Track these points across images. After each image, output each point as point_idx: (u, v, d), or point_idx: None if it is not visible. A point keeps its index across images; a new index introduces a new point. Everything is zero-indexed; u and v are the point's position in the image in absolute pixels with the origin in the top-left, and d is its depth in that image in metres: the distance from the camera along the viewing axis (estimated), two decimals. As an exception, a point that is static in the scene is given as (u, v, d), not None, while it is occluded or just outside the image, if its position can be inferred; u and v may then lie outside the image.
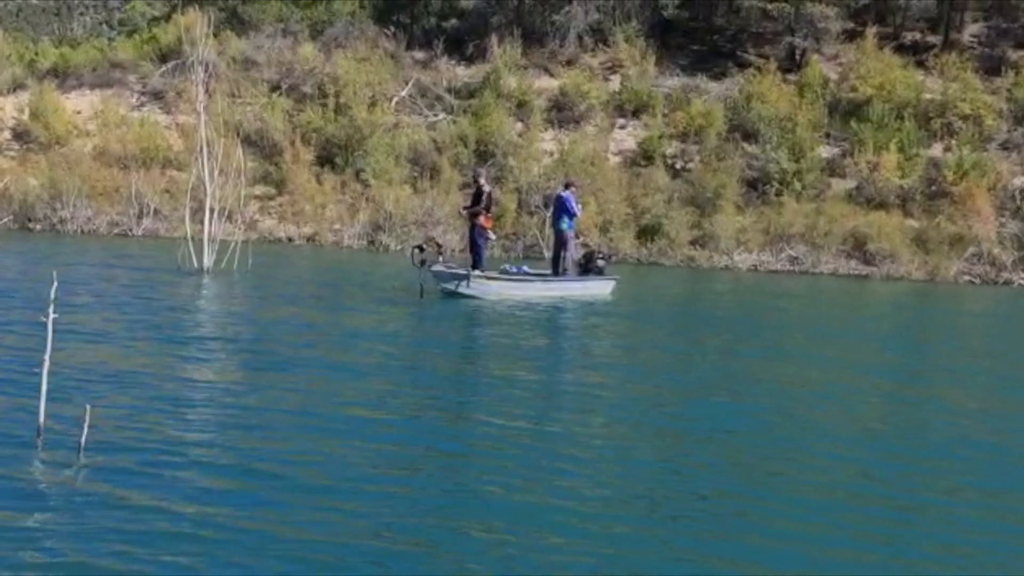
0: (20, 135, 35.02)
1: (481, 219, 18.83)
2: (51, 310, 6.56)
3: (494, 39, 36.83)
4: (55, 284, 6.60)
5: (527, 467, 7.55)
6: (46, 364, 6.75)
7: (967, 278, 29.04)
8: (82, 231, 30.12)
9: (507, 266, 19.93)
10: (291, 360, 11.08)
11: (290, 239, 30.92)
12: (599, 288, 19.74)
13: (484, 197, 18.95)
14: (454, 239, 26.64)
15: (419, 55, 38.73)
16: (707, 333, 16.29)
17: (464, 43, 38.85)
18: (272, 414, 8.50)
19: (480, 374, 11.67)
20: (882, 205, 30.85)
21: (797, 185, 31.25)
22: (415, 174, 32.59)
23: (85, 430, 6.64)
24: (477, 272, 18.42)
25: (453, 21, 40.52)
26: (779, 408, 10.44)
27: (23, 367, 8.96)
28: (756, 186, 31.70)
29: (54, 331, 6.72)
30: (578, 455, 7.96)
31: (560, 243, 19.72)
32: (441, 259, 18.69)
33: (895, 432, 9.84)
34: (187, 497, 6.32)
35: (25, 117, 34.99)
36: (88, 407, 6.73)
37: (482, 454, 7.95)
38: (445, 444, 8.25)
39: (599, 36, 38.65)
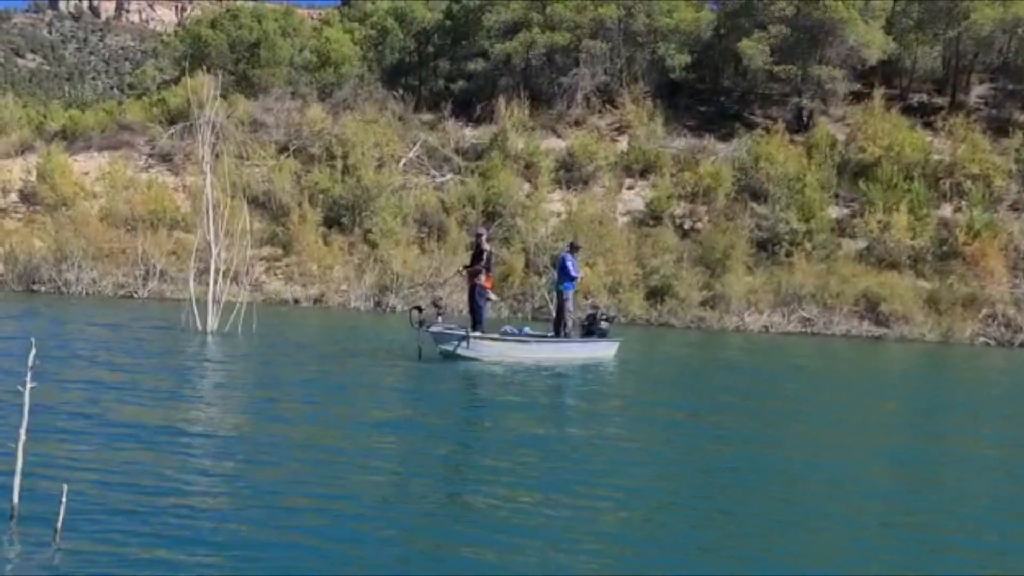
0: (27, 197, 35.08)
1: (482, 279, 18.37)
2: (28, 378, 6.12)
3: (502, 100, 36.94)
4: (32, 351, 6.17)
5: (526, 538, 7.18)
6: (22, 438, 6.28)
7: (982, 339, 28.63)
8: (87, 293, 29.93)
9: (508, 327, 19.46)
10: (281, 434, 10.44)
11: (296, 300, 30.69)
12: (602, 350, 19.30)
13: (485, 256, 18.54)
14: (461, 299, 26.36)
15: (427, 116, 38.85)
16: (717, 406, 15.89)
17: (472, 104, 38.98)
18: (264, 489, 8.02)
19: (473, 436, 11.30)
20: (893, 266, 30.58)
21: (807, 245, 31.02)
22: (422, 235, 32.45)
23: (62, 511, 6.12)
24: (477, 333, 17.99)
25: (461, 83, 40.71)
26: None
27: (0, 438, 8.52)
28: (766, 246, 31.49)
29: (31, 402, 6.27)
30: (578, 532, 7.60)
31: (560, 305, 19.39)
32: (440, 319, 18.22)
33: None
34: None
35: (32, 179, 35.02)
36: (65, 486, 6.22)
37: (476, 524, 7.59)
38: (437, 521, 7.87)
39: (606, 97, 38.77)
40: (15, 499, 6.52)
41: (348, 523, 7.26)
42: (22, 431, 6.36)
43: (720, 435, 12.12)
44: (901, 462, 11.41)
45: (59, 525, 6.19)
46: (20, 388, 6.17)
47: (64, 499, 6.11)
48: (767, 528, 7.93)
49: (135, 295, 30.09)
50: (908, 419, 15.25)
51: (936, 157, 34.30)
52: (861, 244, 31.77)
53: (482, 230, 19.94)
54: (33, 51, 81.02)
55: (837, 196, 33.58)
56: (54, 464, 8.16)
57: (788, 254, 30.89)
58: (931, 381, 21.76)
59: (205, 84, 22.67)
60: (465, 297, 19.75)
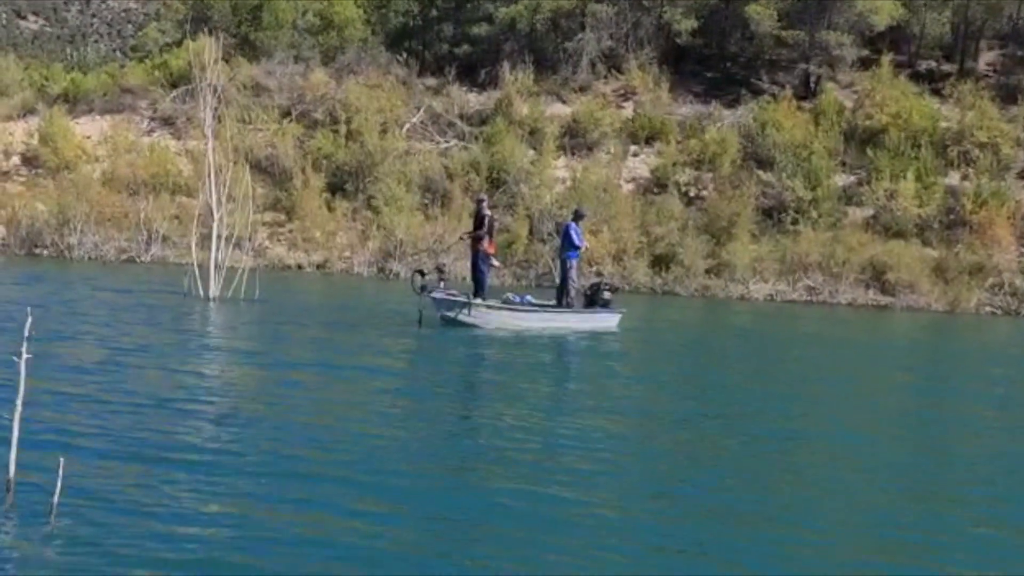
0: (29, 160, 34.85)
1: (484, 245, 18.18)
2: (24, 349, 5.93)
3: (506, 66, 36.60)
4: (29, 320, 5.99)
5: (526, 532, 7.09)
6: (18, 410, 6.09)
7: (988, 309, 28.48)
8: (89, 257, 29.82)
9: (510, 295, 19.28)
10: (279, 402, 10.26)
11: (300, 266, 30.57)
12: (604, 321, 19.11)
13: (486, 222, 18.33)
14: (464, 266, 26.22)
15: (431, 82, 38.51)
16: (722, 373, 15.79)
17: (476, 70, 38.62)
18: (263, 459, 7.86)
19: (471, 409, 11.20)
20: (900, 234, 30.36)
21: (813, 213, 30.80)
22: (426, 201, 32.25)
23: (59, 486, 5.95)
24: (479, 300, 17.81)
25: (465, 48, 40.31)
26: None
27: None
28: (772, 214, 31.28)
29: (27, 372, 6.07)
30: (578, 519, 7.51)
31: (564, 273, 19.20)
32: (443, 285, 18.04)
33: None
34: (176, 567, 5.73)
35: (35, 142, 34.79)
36: (62, 459, 6.05)
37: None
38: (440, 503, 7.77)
39: (612, 63, 38.39)
40: (11, 472, 6.35)
41: (345, 492, 7.16)
42: (18, 402, 6.19)
43: (718, 410, 12.02)
44: (911, 429, 11.32)
45: (55, 499, 6.03)
46: (16, 359, 5.99)
47: (61, 472, 5.97)
48: (773, 508, 7.84)
49: (137, 260, 29.98)
50: (916, 387, 15.16)
51: (944, 124, 33.96)
52: (867, 212, 31.55)
53: (483, 196, 19.73)
54: (35, 12, 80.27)
55: (844, 164, 33.30)
56: (52, 435, 8.00)
57: (794, 222, 30.68)
58: (939, 350, 21.66)
59: (207, 47, 22.35)
60: (468, 263, 19.55)
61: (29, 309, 6.25)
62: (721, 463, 8.95)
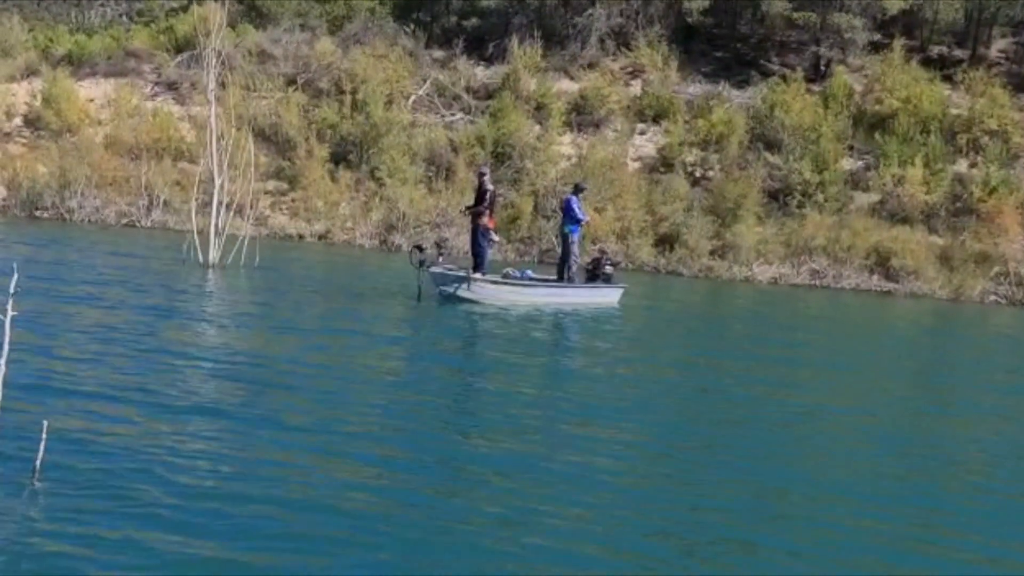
0: (31, 121, 34.57)
1: (484, 219, 17.91)
2: (9, 307, 5.70)
3: (514, 40, 36.26)
4: (15, 276, 5.79)
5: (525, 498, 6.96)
6: (1, 369, 5.86)
7: (993, 298, 28.29)
8: (90, 221, 29.62)
9: (510, 270, 19.09)
10: (269, 372, 10.16)
11: (301, 236, 30.37)
12: (606, 296, 18.95)
13: (487, 196, 18.08)
14: (467, 240, 26.03)
15: (438, 54, 38.18)
16: (724, 355, 15.64)
17: (484, 43, 38.28)
18: (250, 427, 7.76)
19: (469, 387, 11.06)
20: (906, 220, 30.13)
21: (820, 197, 30.57)
22: (430, 174, 32.03)
23: (41, 449, 5.81)
24: (478, 275, 17.61)
25: (473, 20, 39.92)
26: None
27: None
28: (778, 197, 31.04)
29: (15, 331, 5.89)
30: (581, 491, 7.38)
31: (565, 248, 19.00)
32: (442, 260, 17.85)
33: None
34: (159, 528, 5.57)
35: (37, 104, 34.53)
36: (45, 422, 5.87)
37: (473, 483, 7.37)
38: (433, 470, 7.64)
39: (621, 40, 38.04)
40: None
41: (335, 472, 7.00)
42: (2, 362, 5.99)
43: (716, 388, 11.88)
44: (913, 413, 11.18)
45: (38, 463, 5.90)
46: (0, 316, 5.80)
47: (44, 435, 5.83)
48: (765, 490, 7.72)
49: (138, 224, 29.79)
50: (923, 373, 15.02)
51: (954, 111, 33.65)
52: (874, 197, 31.31)
53: (484, 169, 19.47)
54: (41, -26, 79.65)
55: (852, 148, 33.04)
56: (36, 395, 7.89)
57: (800, 205, 30.45)
58: (941, 337, 21.53)
59: (213, 12, 22.11)
60: (468, 237, 19.34)
61: (15, 265, 6.07)
62: (718, 439, 8.82)
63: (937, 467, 8.65)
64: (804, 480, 7.83)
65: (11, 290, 5.75)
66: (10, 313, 5.64)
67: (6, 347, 5.90)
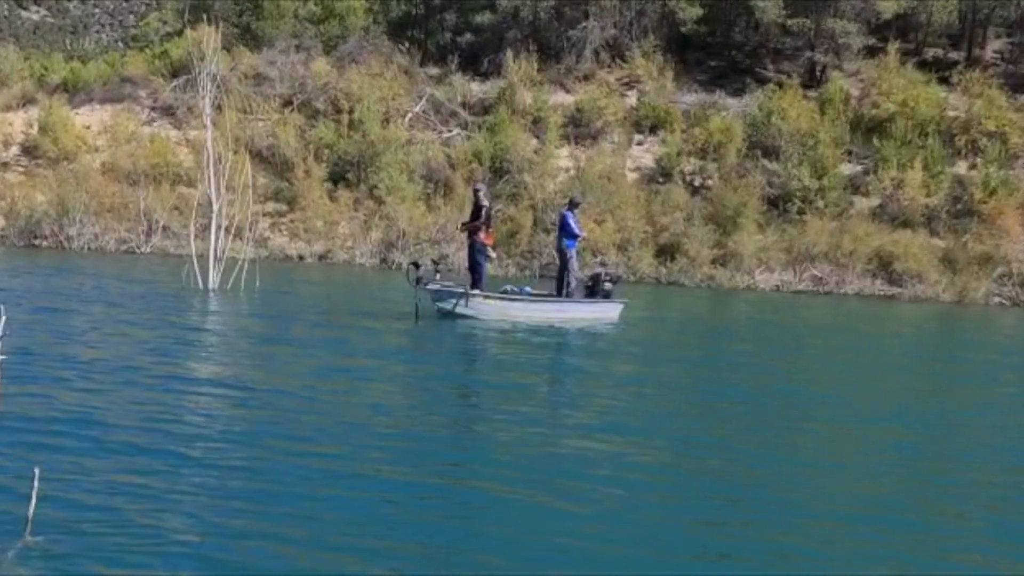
0: (28, 150, 34.59)
1: (481, 235, 17.77)
2: None
3: (509, 54, 36.26)
4: (3, 319, 5.53)
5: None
6: None
7: (997, 299, 28.18)
8: (89, 248, 29.58)
9: (509, 286, 18.95)
10: (273, 407, 9.60)
11: (301, 257, 30.32)
12: (606, 312, 18.78)
13: (484, 212, 17.98)
14: (466, 256, 25.93)
15: (433, 71, 38.19)
16: (733, 366, 15.51)
17: (479, 58, 38.29)
18: (255, 465, 7.37)
19: (466, 404, 10.93)
20: (907, 224, 30.04)
21: (820, 203, 30.50)
22: (429, 191, 31.98)
23: (33, 499, 5.47)
24: (476, 292, 17.50)
25: (468, 36, 39.94)
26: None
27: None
28: (777, 204, 30.97)
29: (7, 368, 5.62)
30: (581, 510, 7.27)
31: (563, 263, 18.87)
32: (439, 277, 17.73)
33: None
34: None
35: (34, 132, 34.53)
36: (36, 469, 5.56)
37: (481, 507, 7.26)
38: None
39: (616, 51, 38.07)
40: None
41: (336, 498, 6.85)
42: None
43: (730, 399, 11.76)
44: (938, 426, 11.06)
45: (30, 514, 5.56)
46: None
47: (36, 484, 5.51)
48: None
49: (137, 250, 29.75)
50: (936, 377, 14.89)
51: (951, 113, 33.62)
52: (874, 202, 31.24)
53: (480, 185, 19.33)
54: (36, 3, 79.85)
55: (850, 152, 32.98)
56: (28, 436, 7.54)
57: (800, 211, 30.39)
58: (952, 341, 21.38)
59: (207, 36, 22.05)
60: (466, 254, 19.20)
61: (1, 307, 5.80)
62: (728, 451, 8.70)
63: (971, 479, 8.51)
64: (837, 495, 7.71)
65: (-1, 334, 5.53)
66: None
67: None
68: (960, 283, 28.11)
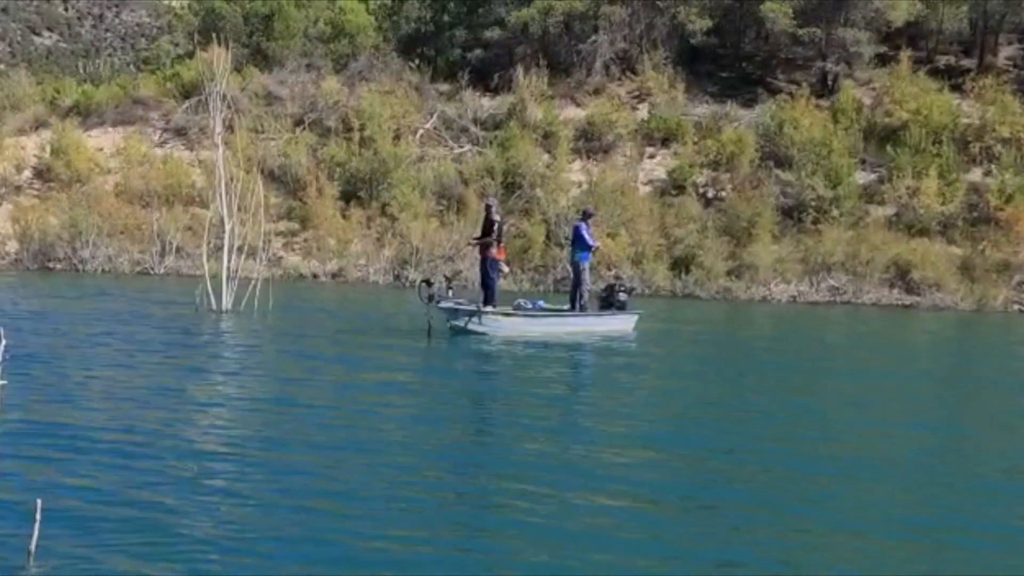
0: (41, 173, 34.65)
1: (493, 251, 17.68)
2: None
3: (519, 69, 36.23)
4: (3, 343, 5.38)
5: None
6: None
7: (1016, 306, 27.92)
8: (103, 270, 29.60)
9: (521, 301, 18.81)
10: (283, 435, 9.29)
11: (315, 276, 30.27)
12: (620, 324, 18.65)
13: (495, 228, 17.87)
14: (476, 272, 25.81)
15: (444, 87, 38.19)
16: (756, 379, 15.32)
17: (489, 74, 38.26)
18: (266, 503, 7.07)
19: (480, 422, 10.79)
20: (923, 232, 29.84)
21: (835, 212, 30.31)
22: (441, 207, 31.92)
23: (36, 530, 5.30)
24: (489, 308, 17.35)
25: (478, 52, 39.93)
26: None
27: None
28: (792, 214, 30.77)
29: (14, 392, 5.44)
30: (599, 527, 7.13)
31: (576, 276, 18.76)
32: (451, 294, 17.60)
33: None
34: None
35: (47, 155, 34.60)
36: (39, 501, 5.39)
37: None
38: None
39: (626, 65, 37.99)
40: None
41: (348, 524, 6.66)
42: None
43: (756, 411, 11.59)
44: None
45: (32, 547, 5.38)
46: None
47: (39, 516, 5.35)
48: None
49: (151, 272, 29.75)
50: (965, 386, 14.68)
51: (965, 120, 33.43)
52: (890, 210, 31.03)
53: (491, 201, 19.28)
54: (49, 28, 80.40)
55: (864, 162, 32.79)
56: (31, 466, 7.35)
57: (815, 221, 30.19)
58: (981, 350, 21.12)
59: (218, 57, 22.04)
60: (478, 270, 19.09)
61: (1, 331, 5.62)
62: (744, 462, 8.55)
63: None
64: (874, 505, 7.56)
65: (-1, 358, 5.36)
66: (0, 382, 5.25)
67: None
68: (979, 291, 27.88)
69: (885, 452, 9.67)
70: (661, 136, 34.66)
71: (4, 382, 5.28)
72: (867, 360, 17.21)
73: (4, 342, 5.43)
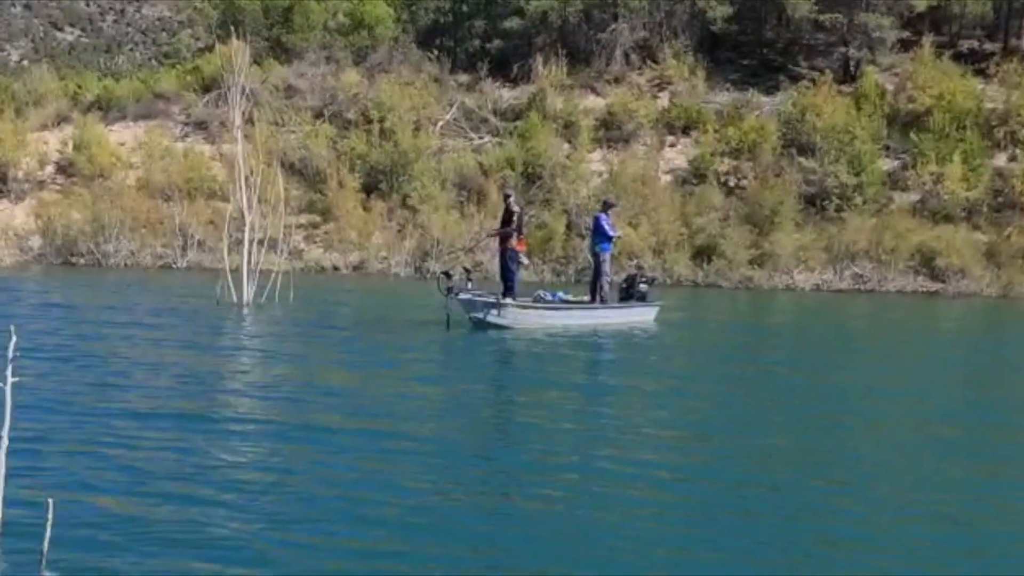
0: (64, 169, 34.83)
1: (513, 242, 17.46)
2: (9, 372, 5.21)
3: (539, 59, 36.14)
4: (13, 339, 5.35)
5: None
6: (4, 442, 5.30)
7: (1043, 292, 27.65)
8: (126, 264, 29.74)
9: (542, 292, 18.63)
10: (302, 430, 9.07)
11: (336, 268, 30.31)
12: (641, 315, 18.49)
13: (515, 218, 17.63)
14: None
15: (463, 78, 38.12)
16: (785, 368, 15.19)
17: (509, 64, 38.17)
18: (283, 499, 6.95)
19: (502, 414, 10.72)
20: (948, 218, 29.55)
21: (858, 200, 30.04)
22: (461, 198, 31.86)
23: (48, 532, 5.22)
24: (509, 300, 17.21)
25: (497, 42, 39.86)
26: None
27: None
28: (815, 202, 30.52)
29: (15, 398, 5.29)
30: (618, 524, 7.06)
31: (596, 267, 18.58)
32: (471, 285, 17.46)
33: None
34: None
35: (69, 150, 34.77)
36: (51, 501, 5.29)
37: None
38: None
39: (646, 53, 37.79)
40: (-2, 515, 5.60)
41: (368, 523, 6.59)
42: (4, 432, 5.43)
43: (789, 402, 11.49)
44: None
45: (45, 548, 5.30)
46: (0, 385, 5.29)
47: (51, 516, 5.27)
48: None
49: (174, 265, 29.87)
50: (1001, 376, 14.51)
51: (989, 105, 33.07)
52: (914, 197, 30.74)
53: (510, 191, 19.14)
54: (71, 24, 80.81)
55: (887, 148, 32.49)
56: (46, 463, 7.28)
57: (839, 209, 29.94)
58: (1005, 336, 20.90)
59: (238, 50, 22.04)
60: (497, 262, 18.96)
61: (13, 327, 5.61)
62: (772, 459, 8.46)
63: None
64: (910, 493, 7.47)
65: (9, 355, 5.31)
66: (10, 380, 5.22)
67: (7, 417, 5.36)
68: (1004, 277, 27.61)
69: (915, 442, 9.57)
70: (682, 125, 34.47)
71: (16, 379, 5.21)
72: (899, 349, 17.04)
73: (15, 338, 5.38)
